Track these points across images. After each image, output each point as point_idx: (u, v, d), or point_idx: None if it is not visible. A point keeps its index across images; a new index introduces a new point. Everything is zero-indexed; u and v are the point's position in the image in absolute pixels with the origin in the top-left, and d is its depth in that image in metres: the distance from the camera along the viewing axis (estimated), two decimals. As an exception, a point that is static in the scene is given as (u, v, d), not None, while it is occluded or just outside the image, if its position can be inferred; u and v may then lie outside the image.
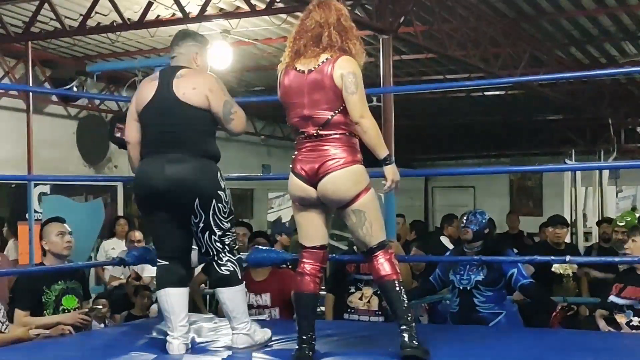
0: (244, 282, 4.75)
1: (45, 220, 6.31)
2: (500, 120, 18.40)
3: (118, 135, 6.00)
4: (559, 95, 14.32)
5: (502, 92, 15.15)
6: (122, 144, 5.48)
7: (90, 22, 10.03)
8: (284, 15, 10.13)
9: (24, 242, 10.31)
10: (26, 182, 10.48)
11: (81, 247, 8.79)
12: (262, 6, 9.39)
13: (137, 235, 9.55)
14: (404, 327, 4.28)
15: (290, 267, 6.59)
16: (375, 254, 4.40)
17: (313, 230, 4.50)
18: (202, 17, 9.41)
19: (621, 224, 9.16)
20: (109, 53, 12.38)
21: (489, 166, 19.68)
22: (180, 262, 4.73)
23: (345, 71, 4.29)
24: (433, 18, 10.33)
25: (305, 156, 4.38)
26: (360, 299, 6.69)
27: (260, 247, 6.04)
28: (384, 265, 4.37)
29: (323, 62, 4.32)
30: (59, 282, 5.80)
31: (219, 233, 4.61)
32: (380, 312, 6.47)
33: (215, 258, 4.65)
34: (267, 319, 6.09)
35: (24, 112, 10.95)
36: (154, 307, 8.31)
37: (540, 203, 20.12)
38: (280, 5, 9.42)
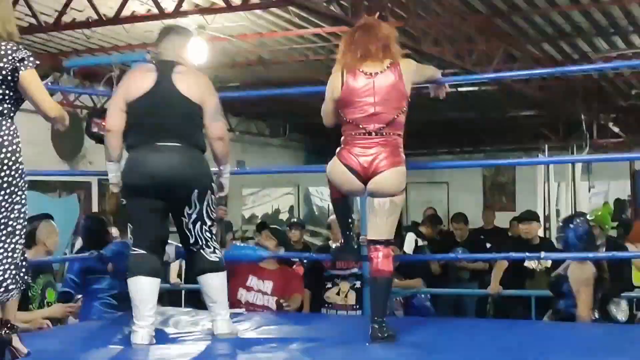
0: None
1: (39, 216, 6.29)
2: (473, 116, 18.45)
3: (95, 130, 6.03)
4: (532, 91, 14.38)
5: (476, 88, 15.18)
6: (100, 139, 5.52)
7: (66, 18, 10.01)
8: (259, 11, 10.17)
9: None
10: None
11: (57, 243, 8.78)
12: (237, 2, 9.40)
13: (113, 231, 9.54)
14: (377, 318, 4.63)
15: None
16: (378, 246, 4.72)
17: None
18: (177, 13, 9.41)
19: (591, 218, 9.27)
20: (84, 49, 12.31)
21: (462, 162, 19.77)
22: (156, 253, 4.82)
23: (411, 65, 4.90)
24: (408, 14, 10.38)
25: (361, 152, 4.73)
26: (338, 294, 6.79)
27: (237, 244, 6.14)
28: (382, 260, 4.70)
29: (388, 66, 4.75)
30: (41, 276, 5.83)
31: (209, 223, 4.81)
32: (357, 307, 6.55)
33: (204, 246, 4.82)
34: (244, 312, 6.16)
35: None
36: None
37: (513, 199, 20.21)
38: (256, 1, 9.44)
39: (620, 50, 12.68)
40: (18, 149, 4.11)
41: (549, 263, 8.41)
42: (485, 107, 17.28)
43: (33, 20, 10.00)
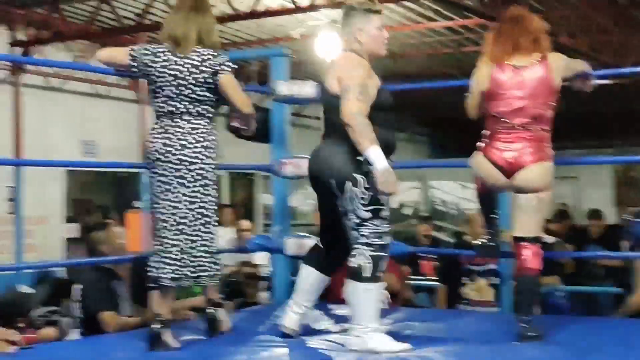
0: (378, 283, 4.35)
1: None
2: (603, 110, 18.03)
3: (234, 124, 6.08)
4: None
5: (608, 81, 14.73)
6: (239, 133, 5.54)
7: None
8: (392, 5, 10.13)
9: (134, 230, 10.49)
10: (133, 171, 10.77)
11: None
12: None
13: (246, 224, 9.69)
14: (524, 317, 4.53)
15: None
16: (524, 243, 4.59)
17: None
18: (311, 7, 9.44)
19: None
20: (216, 44, 12.50)
21: (591, 156, 19.32)
22: (330, 249, 4.69)
23: (561, 59, 4.73)
24: (544, 5, 10.20)
25: (505, 146, 4.63)
26: (475, 290, 6.71)
27: None
28: (530, 258, 4.58)
29: (537, 60, 4.65)
30: None
31: (355, 221, 4.33)
32: (495, 303, 6.45)
33: (352, 247, 4.37)
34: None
35: (131, 102, 11.16)
36: (264, 294, 8.44)
37: (645, 194, 19.70)
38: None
39: None
40: (212, 146, 4.48)
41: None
42: (617, 100, 16.86)
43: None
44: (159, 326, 4.33)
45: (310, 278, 4.70)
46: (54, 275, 9.37)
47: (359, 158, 4.29)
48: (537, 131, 4.65)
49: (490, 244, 5.19)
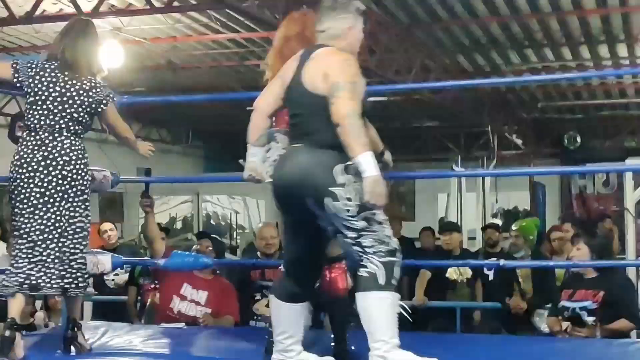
0: (393, 292, 3.90)
1: None
2: (376, 126, 18.36)
3: (19, 134, 5.80)
4: (441, 101, 14.30)
5: (384, 98, 14.90)
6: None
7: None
8: (177, 15, 9.93)
9: None
10: None
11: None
12: (159, 5, 9.15)
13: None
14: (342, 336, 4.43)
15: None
16: (332, 264, 4.39)
17: None
18: (96, 13, 9.08)
19: (515, 228, 9.39)
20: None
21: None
22: (294, 277, 4.21)
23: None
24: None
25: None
26: (267, 306, 6.58)
27: (178, 251, 5.90)
28: (338, 277, 4.41)
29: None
30: None
31: (352, 235, 3.90)
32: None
33: (360, 262, 3.92)
34: (183, 326, 5.92)
35: None
36: (40, 314, 8.02)
37: (413, 209, 20.27)
38: (177, 4, 9.20)
39: (532, 64, 12.83)
40: (87, 162, 4.74)
41: (469, 274, 8.42)
42: (390, 117, 17.22)
43: None
44: (72, 329, 4.64)
45: (279, 311, 4.21)
46: None
47: (337, 167, 3.91)
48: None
49: None
